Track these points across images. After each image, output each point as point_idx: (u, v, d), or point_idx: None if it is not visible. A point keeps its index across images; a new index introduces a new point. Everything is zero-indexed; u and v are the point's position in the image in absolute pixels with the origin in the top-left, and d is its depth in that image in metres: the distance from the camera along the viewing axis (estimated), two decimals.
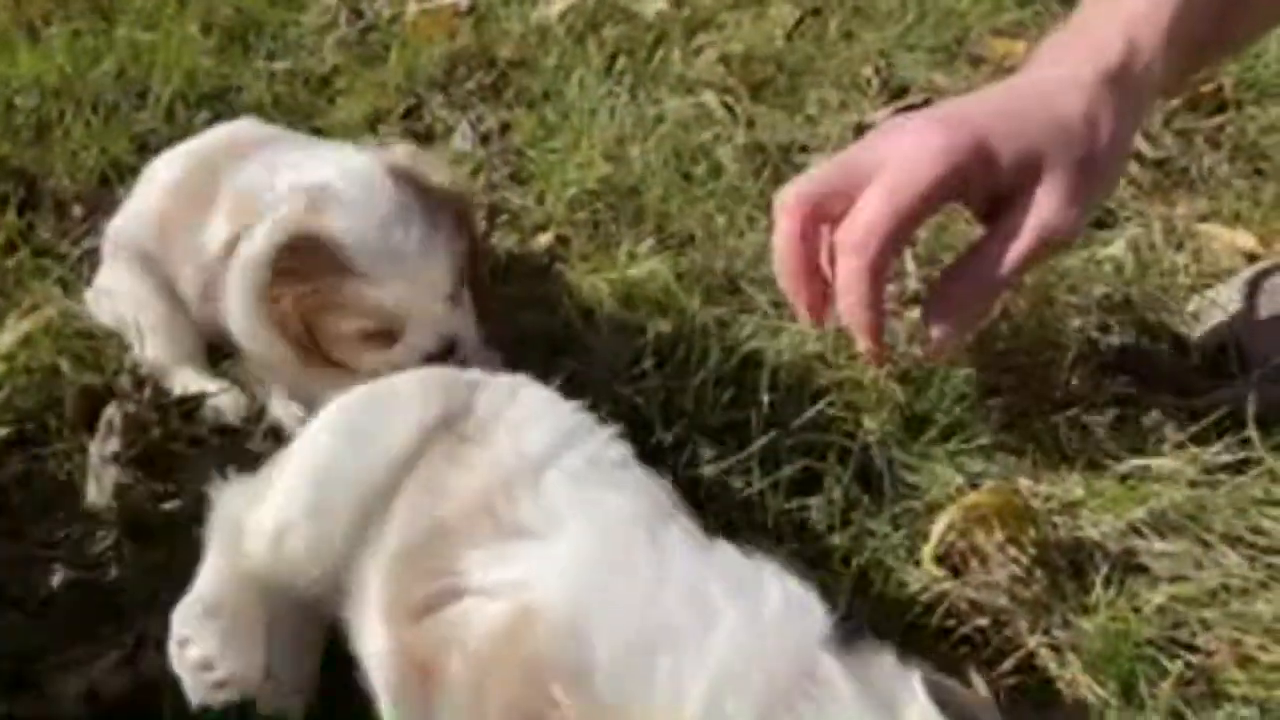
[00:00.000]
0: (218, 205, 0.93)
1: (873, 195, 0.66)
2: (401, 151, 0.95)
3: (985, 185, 0.67)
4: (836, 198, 0.69)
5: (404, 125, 1.47)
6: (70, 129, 1.36)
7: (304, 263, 0.81)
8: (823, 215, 0.70)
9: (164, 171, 1.00)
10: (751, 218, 1.26)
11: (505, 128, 1.46)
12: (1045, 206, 0.66)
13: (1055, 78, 0.69)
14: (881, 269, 0.67)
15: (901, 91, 1.59)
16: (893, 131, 0.71)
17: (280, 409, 0.92)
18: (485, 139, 1.41)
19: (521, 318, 1.06)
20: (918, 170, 0.65)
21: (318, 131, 1.44)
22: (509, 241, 1.23)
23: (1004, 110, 0.69)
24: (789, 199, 0.71)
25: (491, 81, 1.57)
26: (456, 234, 0.86)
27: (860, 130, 1.47)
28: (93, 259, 1.13)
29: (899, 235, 0.67)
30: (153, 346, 0.98)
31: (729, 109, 1.53)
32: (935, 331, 0.72)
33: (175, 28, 1.73)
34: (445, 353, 0.85)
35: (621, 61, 1.63)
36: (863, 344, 0.72)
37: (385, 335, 0.84)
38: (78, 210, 1.23)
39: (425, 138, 1.45)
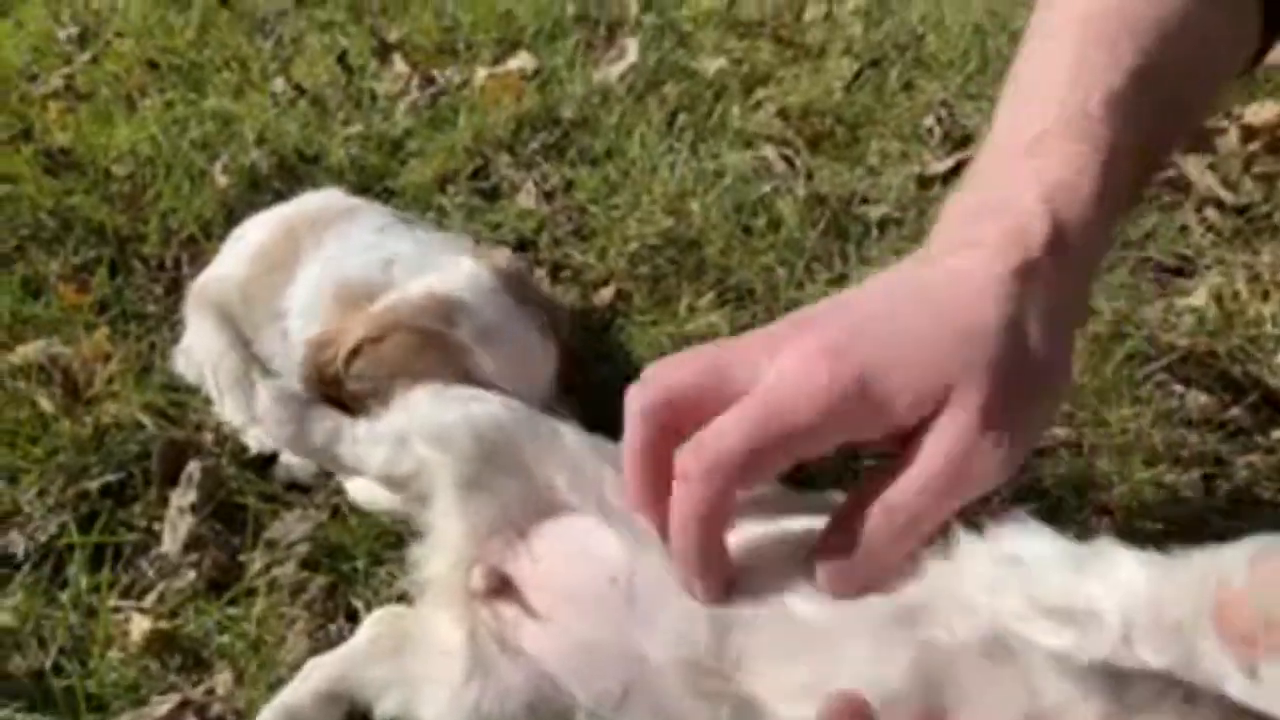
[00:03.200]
0: (300, 273, 0.98)
1: (732, 422, 0.53)
2: (500, 256, 0.99)
3: (880, 425, 0.53)
4: (698, 405, 0.56)
5: (471, 185, 1.51)
6: (161, 194, 1.45)
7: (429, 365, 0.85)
8: (681, 422, 0.57)
9: (251, 235, 1.06)
10: (811, 270, 1.26)
11: (569, 185, 1.49)
12: (952, 438, 0.51)
13: (966, 274, 0.55)
14: (722, 509, 0.54)
15: (964, 141, 1.58)
16: (779, 344, 0.56)
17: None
18: (549, 196, 1.45)
19: (584, 368, 1.07)
20: (790, 409, 0.53)
21: (390, 193, 1.51)
22: (571, 295, 1.25)
23: (903, 331, 0.54)
24: (642, 403, 0.58)
25: (555, 141, 1.62)
26: (554, 338, 0.91)
27: (922, 182, 1.46)
28: (180, 320, 1.19)
29: (751, 474, 0.55)
30: (231, 403, 1.02)
31: (788, 162, 1.54)
32: (825, 571, 0.55)
33: (259, 97, 1.84)
34: None
35: (682, 118, 1.67)
36: (695, 589, 0.58)
37: None
38: (167, 272, 1.30)
39: (491, 195, 1.49)
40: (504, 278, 0.90)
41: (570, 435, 0.73)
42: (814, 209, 1.38)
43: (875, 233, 1.34)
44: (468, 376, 0.84)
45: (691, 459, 0.55)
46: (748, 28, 2.12)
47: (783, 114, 1.67)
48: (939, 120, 1.62)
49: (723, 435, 0.53)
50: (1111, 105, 0.59)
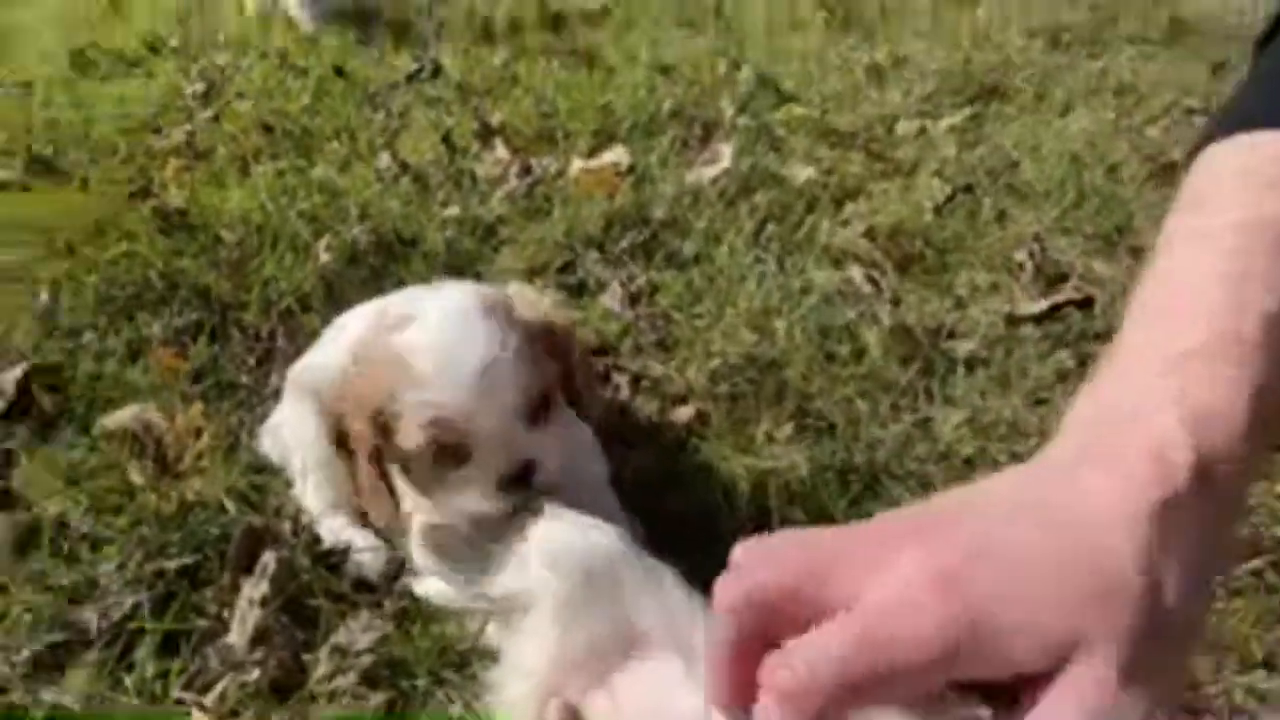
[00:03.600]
0: None
1: (828, 648, 0.49)
2: (512, 288, 0.99)
3: (993, 667, 0.49)
4: (793, 608, 0.52)
5: (559, 279, 1.54)
6: (265, 263, 1.51)
7: (373, 374, 0.86)
8: (773, 623, 0.53)
9: (351, 327, 1.09)
10: (895, 406, 1.24)
11: (654, 289, 1.51)
12: (1087, 694, 0.47)
13: (1101, 505, 0.50)
14: None
15: (1057, 280, 1.55)
16: (888, 553, 0.52)
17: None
18: (634, 299, 1.46)
19: (660, 493, 1.06)
20: (892, 645, 0.48)
21: (480, 279, 1.54)
22: (650, 408, 1.24)
23: (1028, 562, 0.50)
24: (733, 599, 0.53)
25: (644, 241, 1.64)
26: (543, 359, 0.88)
27: (1011, 320, 1.43)
28: (269, 394, 1.22)
29: (844, 707, 0.49)
30: (312, 489, 1.04)
31: (875, 284, 1.53)
32: None
33: (364, 170, 1.92)
34: (522, 476, 0.86)
35: (770, 228, 1.68)
36: None
37: (456, 452, 0.85)
38: (262, 343, 1.35)
39: (578, 292, 1.52)
40: (489, 303, 0.89)
41: (670, 582, 0.72)
42: (899, 339, 1.36)
43: (961, 370, 1.32)
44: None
45: (781, 677, 0.51)
46: (840, 137, 2.14)
47: (870, 233, 1.66)
48: (1031, 255, 1.59)
49: (816, 662, 0.49)
50: (1269, 329, 0.56)
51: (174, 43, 2.85)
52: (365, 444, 0.88)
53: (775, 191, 1.83)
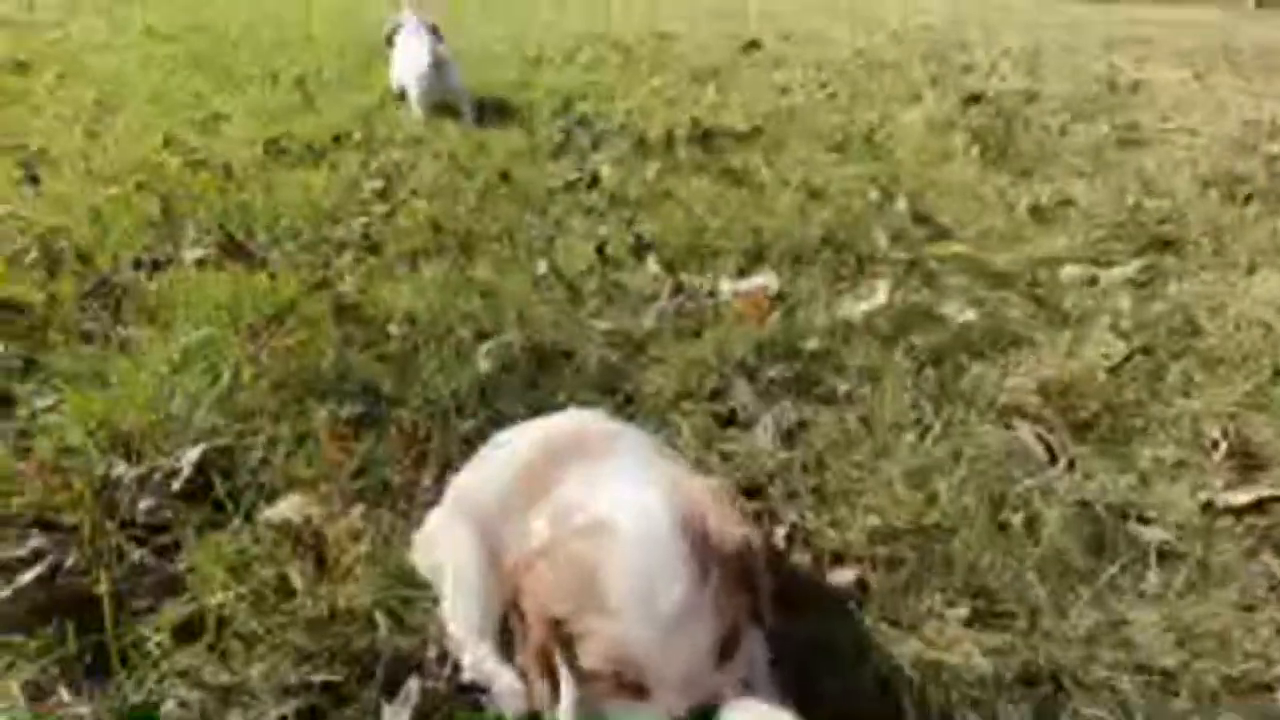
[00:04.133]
0: (555, 492, 0.98)
1: None
2: (702, 487, 0.92)
3: None
4: None
5: (708, 406, 1.51)
6: (428, 362, 1.55)
7: (559, 581, 0.80)
8: None
9: (517, 447, 1.08)
10: (1078, 595, 1.12)
11: (805, 425, 1.46)
12: None
13: None
14: None
15: (1254, 464, 1.40)
16: None
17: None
18: (787, 437, 1.41)
19: (815, 674, 0.98)
20: None
21: (630, 400, 1.54)
22: (805, 560, 1.18)
23: None
24: None
25: (796, 374, 1.60)
26: (737, 592, 0.81)
27: (1208, 509, 1.30)
28: (422, 496, 1.23)
29: None
30: (462, 610, 1.02)
31: (1048, 447, 1.43)
32: None
33: (522, 276, 1.98)
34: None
35: (929, 373, 1.61)
36: None
37: (635, 688, 0.78)
38: (419, 444, 1.37)
39: (727, 422, 1.48)
40: (686, 517, 0.81)
41: None
42: (1079, 517, 1.25)
43: (1153, 559, 1.19)
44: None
45: None
46: (999, 278, 2.07)
47: (1041, 388, 1.57)
48: (1225, 433, 1.45)
49: None
50: None
51: (357, 136, 3.10)
52: (538, 640, 0.83)
53: (933, 332, 1.77)
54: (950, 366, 1.64)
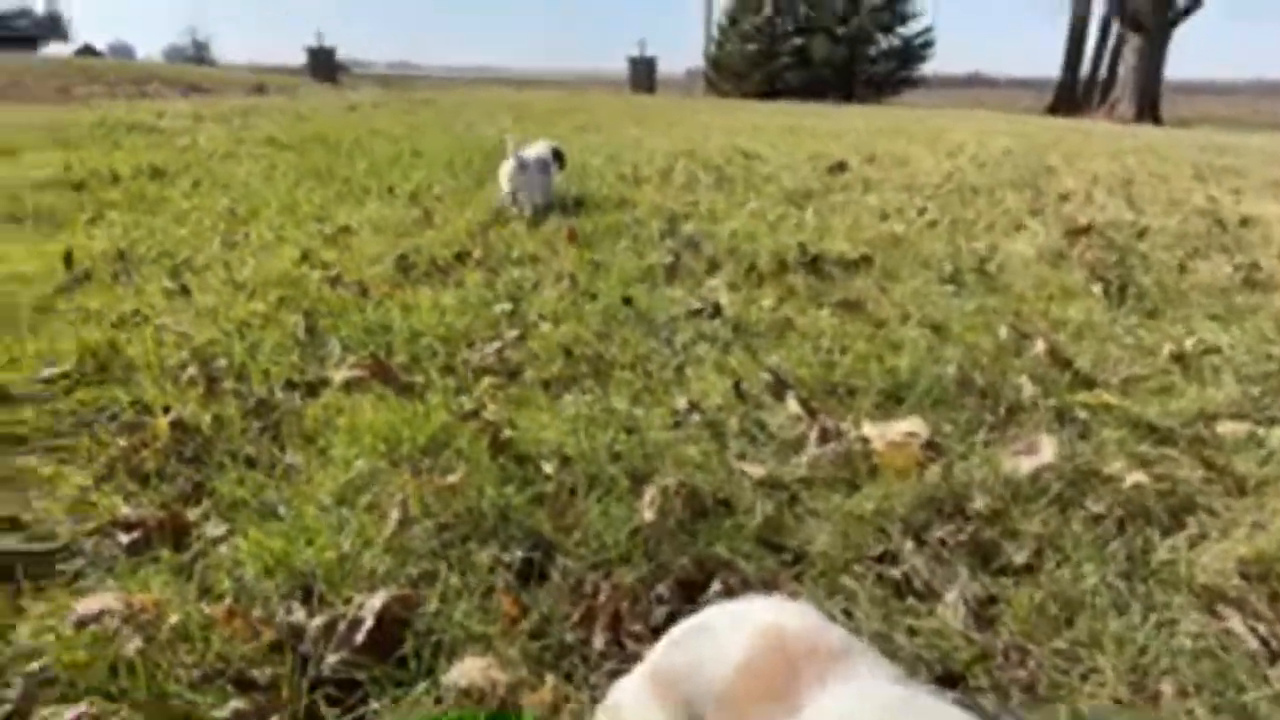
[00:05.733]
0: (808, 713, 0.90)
1: None
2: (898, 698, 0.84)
3: None
4: None
5: (880, 569, 1.44)
6: (589, 510, 1.52)
7: None
8: None
9: (741, 644, 0.99)
10: None
11: (992, 599, 1.37)
12: None
13: None
14: None
15: None
16: None
17: None
18: (977, 617, 1.32)
19: None
20: None
21: (797, 559, 1.47)
22: None
23: None
24: None
25: (968, 537, 1.52)
26: None
27: None
28: (592, 656, 1.17)
29: None
30: None
31: (1262, 640, 1.31)
32: None
33: (660, 410, 1.96)
34: None
35: (1114, 546, 1.51)
36: None
37: None
38: (584, 598, 1.32)
39: (902, 591, 1.40)
40: None
41: None
42: None
43: None
44: None
45: None
46: (1156, 434, 1.97)
47: (1241, 569, 1.45)
48: None
49: None
50: None
51: (477, 254, 3.19)
52: None
53: (1105, 495, 1.67)
54: (1136, 537, 1.54)
